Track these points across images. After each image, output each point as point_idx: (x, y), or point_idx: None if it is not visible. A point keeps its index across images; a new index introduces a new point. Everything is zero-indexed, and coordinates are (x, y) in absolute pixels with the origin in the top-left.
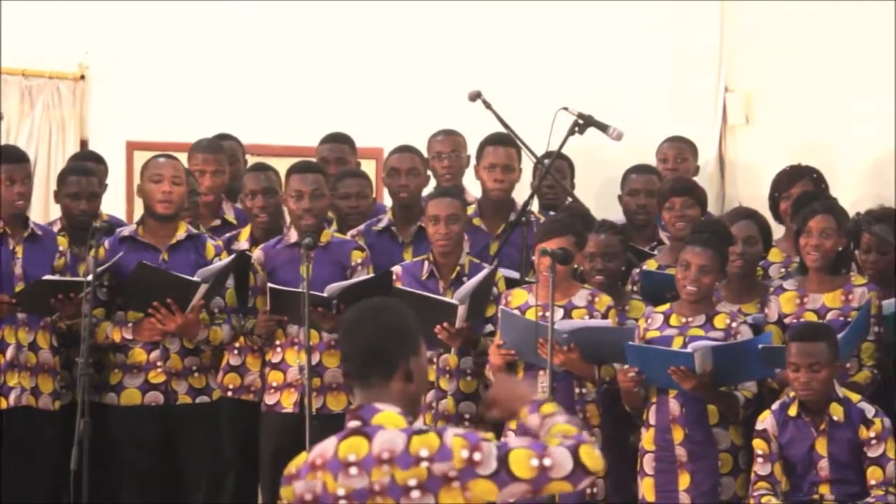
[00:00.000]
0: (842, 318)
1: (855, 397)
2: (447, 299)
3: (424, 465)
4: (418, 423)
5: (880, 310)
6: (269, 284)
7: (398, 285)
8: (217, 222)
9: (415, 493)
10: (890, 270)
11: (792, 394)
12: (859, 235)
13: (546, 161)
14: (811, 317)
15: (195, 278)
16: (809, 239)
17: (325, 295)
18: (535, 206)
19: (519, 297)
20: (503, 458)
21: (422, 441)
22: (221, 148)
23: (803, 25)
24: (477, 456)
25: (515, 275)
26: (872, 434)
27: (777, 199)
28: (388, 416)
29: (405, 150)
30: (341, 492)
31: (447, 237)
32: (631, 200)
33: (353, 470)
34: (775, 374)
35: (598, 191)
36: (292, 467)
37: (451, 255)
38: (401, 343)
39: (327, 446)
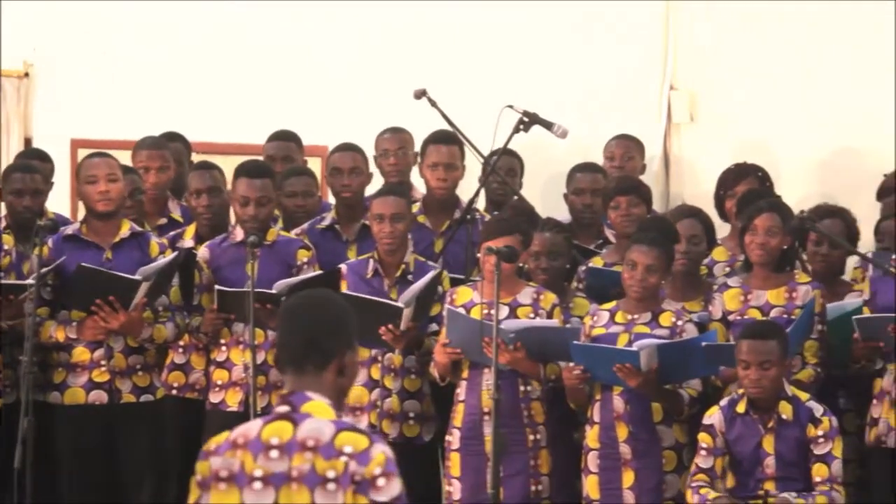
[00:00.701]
0: (785, 316)
1: (804, 396)
2: (393, 302)
3: (343, 459)
4: (354, 421)
5: (824, 308)
6: (217, 287)
7: (343, 283)
8: (163, 220)
9: (330, 486)
10: (838, 265)
11: (741, 390)
12: (804, 233)
13: (493, 158)
14: (755, 313)
15: (136, 276)
16: (755, 237)
17: (273, 292)
18: (480, 203)
19: (464, 294)
20: None
21: (350, 438)
22: (165, 144)
23: (747, 24)
24: (381, 482)
25: (459, 276)
26: (820, 432)
27: (722, 197)
28: (319, 405)
29: (347, 148)
30: (258, 473)
31: (392, 236)
32: (576, 199)
33: (275, 453)
34: (719, 371)
35: (544, 189)
36: (212, 444)
37: (395, 253)
38: (339, 336)
39: (251, 427)
